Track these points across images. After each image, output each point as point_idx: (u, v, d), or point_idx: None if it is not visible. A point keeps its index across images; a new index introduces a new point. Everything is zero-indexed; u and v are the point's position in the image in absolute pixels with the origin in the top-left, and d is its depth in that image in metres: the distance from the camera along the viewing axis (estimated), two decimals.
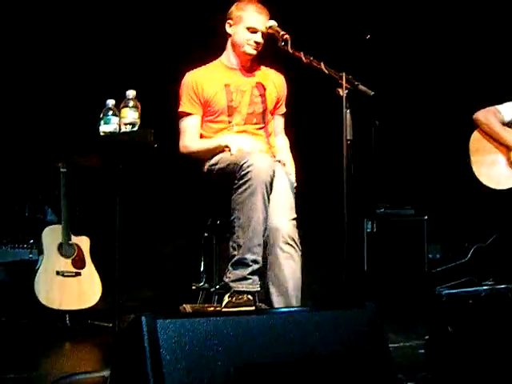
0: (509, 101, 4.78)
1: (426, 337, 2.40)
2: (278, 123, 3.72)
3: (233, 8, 3.55)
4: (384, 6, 5.95)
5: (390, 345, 2.33)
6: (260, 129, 3.57)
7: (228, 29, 3.55)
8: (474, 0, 5.83)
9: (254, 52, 3.50)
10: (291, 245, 3.22)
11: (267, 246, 3.24)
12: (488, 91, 5.57)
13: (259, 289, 3.21)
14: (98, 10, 5.19)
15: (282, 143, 3.72)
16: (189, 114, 3.53)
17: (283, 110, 3.72)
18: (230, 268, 3.16)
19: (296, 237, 3.25)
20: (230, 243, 3.18)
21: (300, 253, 3.26)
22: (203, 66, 3.63)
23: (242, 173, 3.08)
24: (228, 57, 3.61)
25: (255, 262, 3.12)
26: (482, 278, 5.70)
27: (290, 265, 3.21)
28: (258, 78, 3.59)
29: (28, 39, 5.05)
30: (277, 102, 3.65)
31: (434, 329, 2.40)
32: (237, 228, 3.12)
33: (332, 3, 5.73)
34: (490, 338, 2.26)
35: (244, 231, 3.09)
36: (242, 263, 3.12)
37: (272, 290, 3.23)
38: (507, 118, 4.68)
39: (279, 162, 3.49)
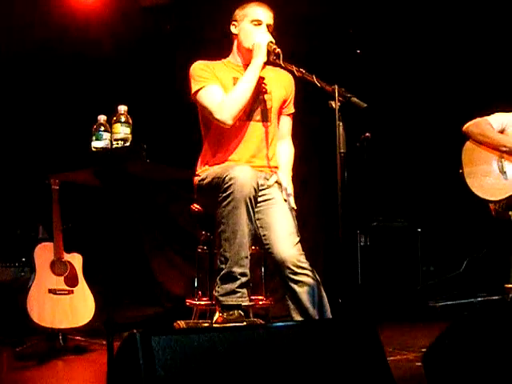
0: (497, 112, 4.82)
1: (423, 349, 2.37)
2: (284, 124, 3.61)
3: (236, 11, 3.54)
4: (374, 21, 5.97)
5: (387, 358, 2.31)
6: (263, 125, 3.46)
7: (233, 29, 3.53)
8: (463, 15, 5.86)
9: None
10: (300, 273, 3.16)
11: (279, 277, 3.24)
12: (477, 102, 5.61)
13: (248, 302, 3.20)
14: (89, 27, 5.18)
15: (284, 154, 3.59)
16: (206, 86, 3.37)
17: (291, 109, 3.63)
18: (219, 282, 3.16)
19: (303, 261, 3.19)
20: (218, 257, 3.19)
21: (313, 272, 3.20)
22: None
23: (225, 186, 3.07)
24: (234, 57, 3.56)
25: (243, 274, 3.12)
26: (476, 290, 5.72)
27: (306, 291, 3.16)
28: (266, 76, 3.51)
29: (18, 55, 5.03)
30: (284, 101, 3.57)
31: (430, 341, 2.38)
32: (223, 241, 3.12)
33: (324, 18, 5.74)
34: (487, 348, 2.25)
35: (230, 244, 3.09)
36: (230, 277, 3.12)
37: (298, 318, 3.18)
38: (496, 128, 4.71)
39: (278, 183, 3.44)
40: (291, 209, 3.37)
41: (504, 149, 4.63)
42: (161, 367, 1.88)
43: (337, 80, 2.97)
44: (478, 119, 4.76)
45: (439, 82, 6.17)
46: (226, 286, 3.12)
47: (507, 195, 4.58)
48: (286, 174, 3.52)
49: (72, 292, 4.39)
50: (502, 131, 4.71)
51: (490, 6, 5.69)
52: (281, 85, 3.57)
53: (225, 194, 3.07)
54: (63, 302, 4.33)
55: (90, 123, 2.99)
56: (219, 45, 3.70)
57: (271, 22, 3.47)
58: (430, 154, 6.17)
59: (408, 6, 5.80)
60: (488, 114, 4.80)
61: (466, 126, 4.77)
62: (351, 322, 2.34)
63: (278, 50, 3.28)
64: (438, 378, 2.28)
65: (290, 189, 3.47)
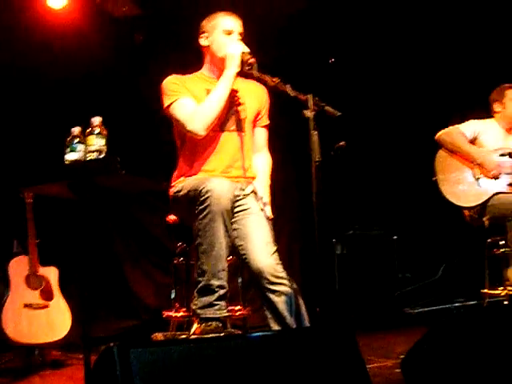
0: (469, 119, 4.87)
1: (402, 356, 2.38)
2: (259, 135, 3.60)
3: (203, 22, 3.54)
4: (347, 30, 6.01)
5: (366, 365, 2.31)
6: (238, 135, 3.46)
7: (204, 42, 3.52)
8: (434, 22, 5.92)
9: None
10: (277, 282, 3.16)
11: (256, 287, 3.24)
12: (450, 109, 5.66)
13: (227, 314, 3.20)
14: (62, 38, 5.15)
15: (261, 166, 3.58)
16: (178, 99, 3.39)
17: (265, 121, 3.62)
18: (197, 295, 3.15)
19: (280, 270, 3.18)
20: (195, 269, 3.18)
21: (290, 281, 3.19)
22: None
23: (201, 199, 3.06)
24: (207, 69, 3.56)
25: (221, 287, 3.11)
26: (453, 295, 5.76)
27: (283, 301, 3.15)
28: (239, 87, 3.51)
29: None
30: (258, 113, 3.56)
31: (409, 347, 2.39)
32: (200, 254, 3.11)
33: (297, 27, 5.76)
34: (465, 353, 2.26)
35: (207, 257, 3.08)
36: (207, 289, 3.11)
37: (276, 327, 3.16)
38: (469, 137, 4.76)
39: (254, 193, 3.44)
40: (267, 218, 3.37)
41: (474, 162, 4.67)
42: (139, 380, 1.86)
43: (311, 89, 2.98)
44: (451, 128, 4.81)
45: (413, 89, 6.22)
46: (204, 298, 3.11)
47: (480, 202, 4.62)
48: (262, 184, 3.52)
49: (48, 306, 4.34)
50: (474, 139, 4.76)
51: (460, 15, 5.76)
52: (254, 96, 3.57)
53: (201, 207, 3.07)
54: (39, 316, 4.28)
55: (63, 135, 2.97)
56: (193, 56, 3.69)
57: (241, 29, 3.48)
58: (405, 161, 6.21)
59: (380, 14, 5.84)
60: (461, 122, 4.85)
61: (438, 134, 4.82)
62: (329, 331, 2.34)
63: (252, 60, 3.28)
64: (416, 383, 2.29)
65: (267, 198, 3.47)
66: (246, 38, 3.49)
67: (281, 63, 4.79)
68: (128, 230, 5.60)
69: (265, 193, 3.48)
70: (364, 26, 5.95)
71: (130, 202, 5.47)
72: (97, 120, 2.93)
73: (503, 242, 4.60)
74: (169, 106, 3.40)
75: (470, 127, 4.80)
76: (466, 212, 4.76)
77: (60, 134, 3.05)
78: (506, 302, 4.51)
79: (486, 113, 4.93)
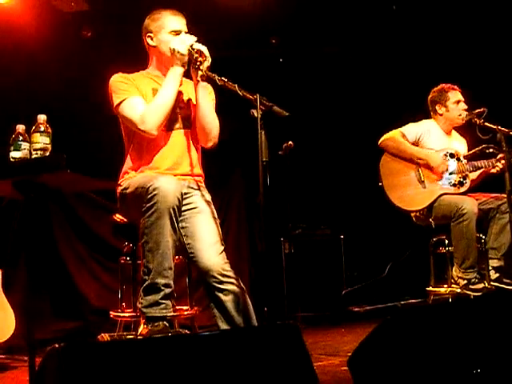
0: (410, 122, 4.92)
1: (349, 354, 2.41)
2: None
3: (147, 21, 3.50)
4: (296, 30, 6.05)
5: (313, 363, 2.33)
6: (185, 134, 3.45)
7: (150, 42, 3.49)
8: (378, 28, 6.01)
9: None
10: (225, 281, 3.17)
11: (203, 286, 3.23)
12: (394, 109, 5.75)
13: (172, 313, 3.18)
14: (5, 33, 5.05)
15: None
16: (128, 98, 3.35)
17: None
18: (142, 293, 3.12)
19: (227, 269, 3.19)
20: (141, 268, 3.15)
21: (238, 280, 3.20)
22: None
23: (148, 196, 3.04)
24: (155, 68, 3.53)
25: (167, 285, 3.09)
26: (400, 293, 5.85)
27: (231, 299, 3.16)
28: (184, 85, 3.49)
29: None
30: None
31: (356, 345, 2.41)
32: (146, 252, 3.08)
33: (249, 27, 5.77)
34: (411, 350, 2.30)
35: (153, 255, 3.06)
36: (153, 288, 3.09)
37: (224, 326, 3.17)
38: (411, 140, 4.80)
39: (199, 188, 3.44)
40: (215, 217, 3.36)
41: (420, 161, 4.72)
42: (85, 382, 1.84)
43: (259, 89, 2.98)
44: (393, 132, 4.84)
45: (359, 91, 6.29)
46: (150, 297, 3.09)
47: (427, 203, 4.68)
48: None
49: None
50: (416, 143, 4.80)
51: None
52: None
53: (148, 205, 3.04)
54: None
55: (7, 133, 2.92)
56: (141, 53, 3.66)
57: (186, 29, 3.45)
58: (351, 161, 6.27)
59: (328, 15, 5.88)
60: (401, 124, 4.89)
61: (381, 139, 4.82)
62: (277, 329, 2.35)
63: (201, 58, 3.26)
64: (364, 381, 2.31)
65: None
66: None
67: (229, 62, 4.79)
68: (73, 229, 5.52)
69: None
70: (313, 28, 5.99)
71: (74, 200, 5.40)
72: (41, 118, 2.89)
73: (447, 240, 4.68)
74: (118, 104, 3.36)
75: (411, 130, 4.82)
76: (413, 213, 4.82)
77: (3, 131, 2.99)
78: (450, 300, 4.60)
79: (423, 113, 4.99)
